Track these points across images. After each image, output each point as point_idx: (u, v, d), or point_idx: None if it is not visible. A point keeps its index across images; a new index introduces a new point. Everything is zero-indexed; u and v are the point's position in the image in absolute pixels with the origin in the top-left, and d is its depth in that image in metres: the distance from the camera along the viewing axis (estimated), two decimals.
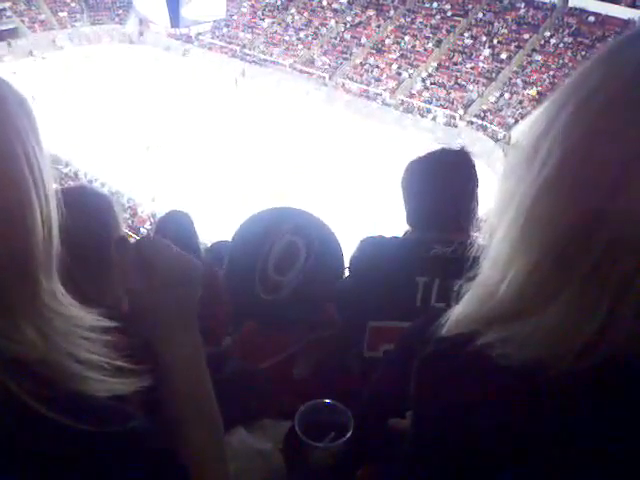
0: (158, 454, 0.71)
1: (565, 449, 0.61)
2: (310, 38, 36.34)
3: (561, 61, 29.48)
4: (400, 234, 2.00)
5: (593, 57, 0.65)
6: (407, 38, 33.92)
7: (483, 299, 0.70)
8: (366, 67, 33.17)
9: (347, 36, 35.49)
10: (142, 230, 18.45)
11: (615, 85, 0.60)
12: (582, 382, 0.61)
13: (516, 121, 27.08)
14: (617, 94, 0.60)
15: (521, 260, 0.65)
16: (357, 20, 36.11)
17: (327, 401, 1.16)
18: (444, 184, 1.79)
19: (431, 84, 31.07)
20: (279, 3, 39.37)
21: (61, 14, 39.51)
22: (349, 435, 1.12)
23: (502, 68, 30.49)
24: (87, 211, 1.43)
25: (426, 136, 26.56)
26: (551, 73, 29.00)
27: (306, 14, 37.97)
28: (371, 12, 36.08)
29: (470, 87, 30.15)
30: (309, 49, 35.50)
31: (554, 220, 0.62)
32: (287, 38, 36.78)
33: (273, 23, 38.30)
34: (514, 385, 0.64)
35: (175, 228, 2.75)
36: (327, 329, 1.63)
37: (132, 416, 0.67)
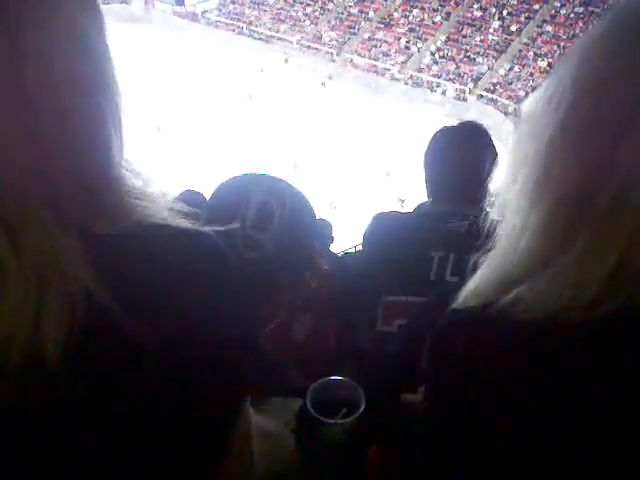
0: None
1: (574, 405, 0.60)
2: (317, 13, 35.92)
3: (572, 32, 29.05)
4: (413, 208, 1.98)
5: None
6: (415, 11, 33.50)
7: (503, 265, 0.69)
8: (374, 42, 32.86)
9: (354, 11, 35.06)
10: None
11: (622, 24, 0.62)
12: (596, 333, 0.60)
13: (526, 94, 26.77)
14: (625, 31, 0.61)
15: (540, 210, 0.64)
16: None
17: (338, 378, 1.14)
18: (461, 157, 1.79)
19: (440, 58, 30.75)
20: None
21: None
22: (361, 411, 1.10)
23: (512, 40, 30.10)
24: None
25: (435, 110, 26.37)
26: (562, 44, 28.58)
27: None
28: None
29: (480, 60, 29.81)
30: (316, 25, 35.13)
31: (571, 161, 0.62)
32: (294, 14, 36.38)
33: None
34: (530, 341, 0.62)
35: (188, 208, 2.77)
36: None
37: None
